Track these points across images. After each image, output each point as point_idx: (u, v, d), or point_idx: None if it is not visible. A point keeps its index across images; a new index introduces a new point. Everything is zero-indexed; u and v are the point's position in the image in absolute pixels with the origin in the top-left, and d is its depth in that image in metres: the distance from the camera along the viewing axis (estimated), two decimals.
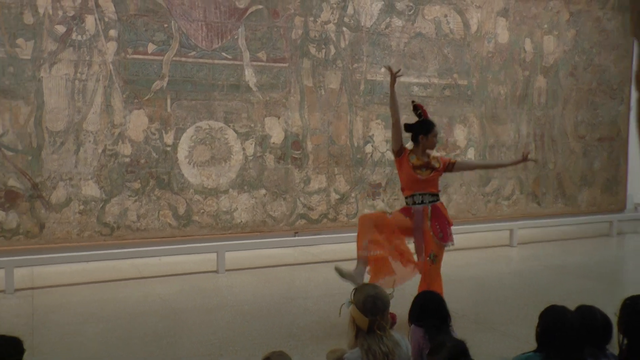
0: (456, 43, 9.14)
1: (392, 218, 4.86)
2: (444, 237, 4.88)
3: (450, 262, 7.53)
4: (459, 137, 9.31)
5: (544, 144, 10.08)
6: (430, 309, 3.35)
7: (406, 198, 5.00)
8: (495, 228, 9.02)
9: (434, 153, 5.08)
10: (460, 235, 8.66)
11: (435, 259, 4.87)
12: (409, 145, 5.08)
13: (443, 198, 9.06)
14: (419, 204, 4.89)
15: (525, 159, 5.21)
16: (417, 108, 5.08)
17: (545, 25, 9.88)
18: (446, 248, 4.96)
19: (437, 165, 4.94)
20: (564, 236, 9.50)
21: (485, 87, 9.44)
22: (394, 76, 4.92)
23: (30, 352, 4.22)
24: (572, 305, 3.13)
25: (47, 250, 6.72)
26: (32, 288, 6.16)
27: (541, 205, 10.12)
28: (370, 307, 2.86)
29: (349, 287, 6.07)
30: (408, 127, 5.02)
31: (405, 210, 4.97)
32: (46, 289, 6.16)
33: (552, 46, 9.99)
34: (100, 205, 7.12)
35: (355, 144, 8.49)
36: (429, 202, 4.90)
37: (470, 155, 9.38)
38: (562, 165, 10.26)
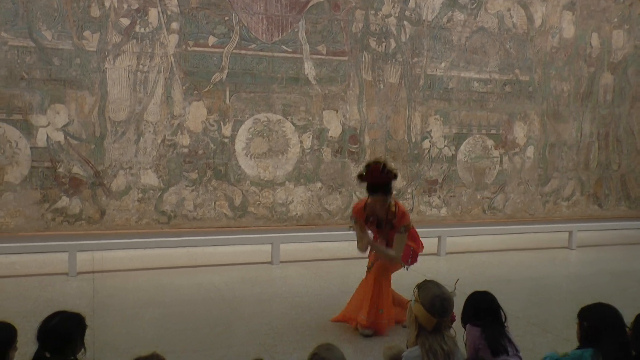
0: (519, 38, 8.91)
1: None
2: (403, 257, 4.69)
3: (506, 262, 7.41)
4: (519, 135, 9.08)
5: (608, 144, 9.72)
6: (484, 308, 3.28)
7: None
8: (554, 229, 8.73)
9: (392, 205, 4.61)
10: (517, 235, 8.53)
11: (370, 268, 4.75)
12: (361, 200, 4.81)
13: (499, 197, 8.92)
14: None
15: None
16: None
17: (615, 19, 9.50)
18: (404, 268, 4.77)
19: (392, 218, 4.59)
20: (627, 240, 9.12)
21: (547, 83, 9.17)
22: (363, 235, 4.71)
23: (91, 333, 4.36)
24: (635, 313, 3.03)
25: (107, 236, 6.93)
26: (93, 272, 6.33)
27: (603, 207, 9.77)
28: (439, 307, 2.81)
29: (404, 286, 6.02)
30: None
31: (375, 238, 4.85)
32: (106, 273, 6.33)
33: (621, 41, 9.60)
34: (159, 194, 7.28)
35: (413, 139, 8.39)
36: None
37: (530, 153, 9.13)
38: (626, 167, 9.88)
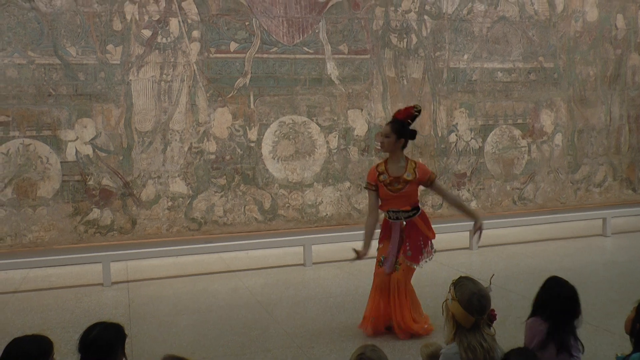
0: (541, 24, 8.79)
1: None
2: (413, 257, 4.55)
3: (540, 252, 7.31)
4: (546, 123, 8.95)
5: (639, 126, 9.52)
6: (563, 303, 3.13)
7: (384, 212, 4.73)
8: (587, 217, 8.57)
9: (411, 164, 4.59)
10: (549, 225, 8.40)
11: (399, 268, 4.57)
12: (377, 163, 4.75)
13: (529, 187, 8.80)
14: (394, 219, 4.62)
15: (478, 230, 4.67)
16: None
17: None
18: (417, 267, 4.61)
19: (410, 177, 4.53)
20: None
21: (572, 68, 9.02)
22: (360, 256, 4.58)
23: (129, 341, 4.39)
24: None
25: (139, 245, 6.99)
26: (127, 281, 6.40)
27: (637, 191, 9.58)
28: (477, 305, 2.77)
29: (437, 281, 5.98)
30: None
31: (385, 225, 4.71)
32: (140, 282, 6.40)
33: None
34: (188, 202, 7.35)
35: (439, 134, 8.34)
36: (404, 217, 4.58)
37: (558, 141, 9.00)
38: None
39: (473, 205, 8.60)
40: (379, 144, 4.67)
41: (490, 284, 2.95)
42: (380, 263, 4.66)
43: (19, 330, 4.72)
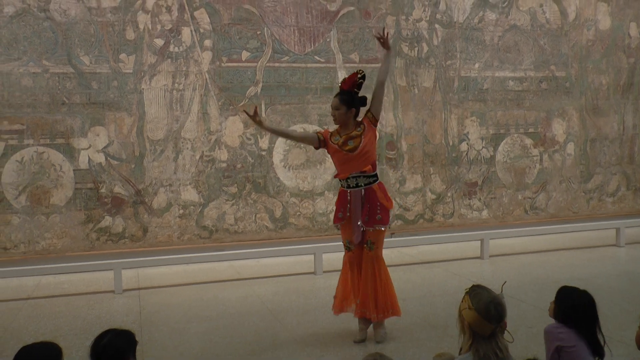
0: (553, 33, 8.77)
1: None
2: (370, 221, 4.50)
3: (552, 262, 7.26)
4: (558, 132, 8.91)
5: None
6: (583, 310, 3.14)
7: (340, 181, 4.68)
8: (600, 227, 8.51)
9: (356, 124, 4.61)
10: (561, 235, 8.34)
11: (372, 246, 4.54)
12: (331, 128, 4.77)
13: (541, 196, 8.75)
14: (353, 187, 4.56)
15: (384, 41, 4.61)
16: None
17: None
18: (386, 231, 4.61)
19: (359, 131, 4.54)
20: None
21: (585, 77, 8.98)
22: (253, 118, 4.67)
23: (140, 348, 4.40)
24: None
25: (151, 252, 7.02)
26: (139, 289, 6.42)
27: None
28: (495, 313, 2.75)
29: (448, 290, 5.95)
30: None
31: (342, 195, 4.67)
32: (151, 289, 6.42)
33: None
34: (199, 210, 7.37)
35: (451, 143, 8.32)
36: (364, 184, 4.54)
37: (570, 150, 8.95)
38: None
39: (484, 214, 8.56)
40: (332, 116, 4.66)
41: (502, 291, 2.93)
42: (347, 248, 4.66)
43: (32, 336, 4.75)
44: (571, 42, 8.89)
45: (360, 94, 4.69)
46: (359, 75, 4.64)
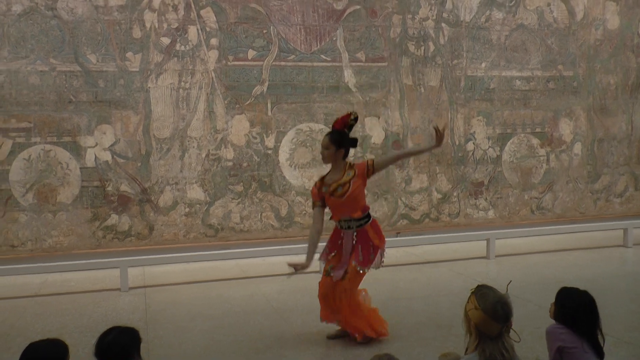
0: (560, 32, 8.73)
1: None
2: (363, 262, 4.51)
3: (559, 263, 7.23)
4: (565, 132, 8.88)
5: None
6: (584, 310, 3.12)
7: (335, 222, 4.72)
8: (608, 227, 8.47)
9: (349, 166, 4.56)
10: (568, 235, 8.31)
11: (345, 276, 4.51)
12: (316, 181, 4.72)
13: (547, 196, 8.72)
14: (346, 229, 4.60)
15: (440, 135, 4.53)
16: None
17: None
18: (367, 271, 4.58)
19: (350, 175, 4.51)
20: None
21: (592, 77, 8.94)
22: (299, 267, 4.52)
23: (145, 346, 4.41)
24: None
25: (157, 250, 7.07)
26: (145, 286, 6.45)
27: None
28: (502, 313, 2.75)
29: (454, 290, 5.94)
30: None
31: (336, 234, 4.71)
32: (157, 287, 6.44)
33: None
34: (205, 208, 7.39)
35: (457, 142, 8.31)
36: (356, 227, 4.56)
37: (577, 150, 8.92)
38: None
39: (490, 214, 8.54)
40: (322, 157, 4.62)
41: (507, 290, 2.92)
42: (327, 273, 4.61)
43: (38, 334, 4.77)
44: (579, 42, 8.85)
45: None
46: (352, 117, 4.62)
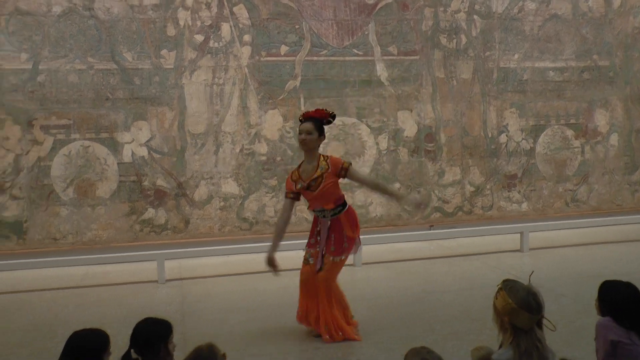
0: (596, 21, 8.57)
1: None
2: (336, 252, 4.57)
3: (594, 256, 7.15)
4: (600, 123, 8.73)
5: None
6: (630, 302, 3.08)
7: (311, 212, 4.80)
8: None
9: (323, 160, 4.56)
10: (604, 228, 8.19)
11: (324, 267, 4.58)
12: (291, 172, 4.78)
13: (582, 188, 8.60)
14: (322, 217, 4.65)
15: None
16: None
17: None
18: (345, 260, 4.67)
19: (323, 170, 4.51)
20: None
21: (630, 66, 8.76)
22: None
23: (182, 337, 4.55)
24: None
25: (192, 244, 7.19)
26: (181, 279, 6.58)
27: None
28: (535, 304, 2.75)
29: (489, 283, 5.92)
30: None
31: (315, 222, 4.77)
32: (193, 279, 6.57)
33: None
34: (239, 202, 7.50)
35: (489, 134, 8.25)
36: (330, 216, 4.60)
37: (614, 141, 8.76)
38: None
39: (524, 207, 8.47)
40: (300, 141, 4.63)
41: (530, 281, 2.91)
42: (306, 261, 4.71)
43: (80, 323, 4.87)
44: (616, 30, 8.67)
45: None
46: (331, 114, 4.68)
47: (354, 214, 4.76)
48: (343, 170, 4.54)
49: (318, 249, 4.68)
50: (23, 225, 6.95)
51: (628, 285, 3.17)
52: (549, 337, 2.83)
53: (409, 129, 7.93)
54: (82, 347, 2.77)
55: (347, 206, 4.69)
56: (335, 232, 4.62)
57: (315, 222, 4.78)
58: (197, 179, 7.40)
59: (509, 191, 8.40)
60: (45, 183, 7.00)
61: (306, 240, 4.84)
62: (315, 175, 4.53)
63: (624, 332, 3.01)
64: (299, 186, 4.60)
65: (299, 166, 4.69)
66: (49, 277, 6.63)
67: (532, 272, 3.15)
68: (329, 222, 4.63)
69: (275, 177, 7.56)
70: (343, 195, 4.69)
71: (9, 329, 5.09)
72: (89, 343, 2.79)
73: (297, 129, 4.72)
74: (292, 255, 7.27)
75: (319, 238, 4.71)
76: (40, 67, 6.92)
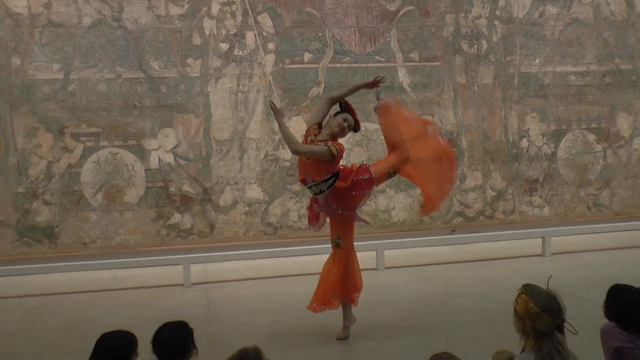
0: (618, 25, 8.55)
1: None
2: (343, 207, 4.61)
3: (617, 261, 7.12)
4: (623, 127, 8.70)
5: None
6: (637, 308, 3.08)
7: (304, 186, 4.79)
8: None
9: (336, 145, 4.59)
10: (627, 233, 8.13)
11: (340, 241, 4.66)
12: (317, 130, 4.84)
13: (604, 193, 8.56)
14: (318, 193, 4.60)
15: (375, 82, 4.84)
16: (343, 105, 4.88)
17: None
18: (357, 222, 4.76)
19: (334, 149, 4.51)
20: None
21: None
22: (277, 110, 4.72)
23: (208, 339, 4.66)
24: None
25: (218, 248, 7.30)
26: (206, 282, 6.70)
27: None
28: (557, 307, 2.79)
29: (511, 287, 5.95)
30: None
31: (313, 201, 4.76)
32: (218, 283, 6.68)
33: None
34: (264, 207, 7.62)
35: (511, 139, 8.27)
36: (326, 188, 4.55)
37: (637, 145, 8.72)
38: None
39: (546, 211, 8.46)
40: (340, 128, 4.73)
41: (548, 286, 2.95)
42: (336, 244, 4.76)
43: (109, 325, 4.99)
44: (638, 34, 8.64)
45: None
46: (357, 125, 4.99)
47: (347, 170, 4.73)
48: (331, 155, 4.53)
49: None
50: (54, 230, 7.15)
51: (636, 291, 3.17)
52: (571, 341, 2.86)
53: None
54: (111, 349, 2.85)
55: (338, 178, 4.60)
56: (336, 197, 4.61)
57: (314, 201, 4.77)
58: (222, 184, 7.54)
59: (530, 196, 8.41)
60: (75, 189, 7.19)
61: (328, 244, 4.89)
62: (319, 139, 4.66)
63: (628, 337, 3.04)
64: (310, 138, 4.72)
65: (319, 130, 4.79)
66: (79, 281, 6.80)
67: (551, 276, 3.18)
68: (328, 195, 4.61)
69: (299, 183, 7.65)
70: (337, 170, 4.64)
71: (42, 330, 5.26)
72: (117, 344, 2.88)
73: (340, 116, 4.80)
74: (317, 259, 7.41)
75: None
76: (71, 76, 7.11)
